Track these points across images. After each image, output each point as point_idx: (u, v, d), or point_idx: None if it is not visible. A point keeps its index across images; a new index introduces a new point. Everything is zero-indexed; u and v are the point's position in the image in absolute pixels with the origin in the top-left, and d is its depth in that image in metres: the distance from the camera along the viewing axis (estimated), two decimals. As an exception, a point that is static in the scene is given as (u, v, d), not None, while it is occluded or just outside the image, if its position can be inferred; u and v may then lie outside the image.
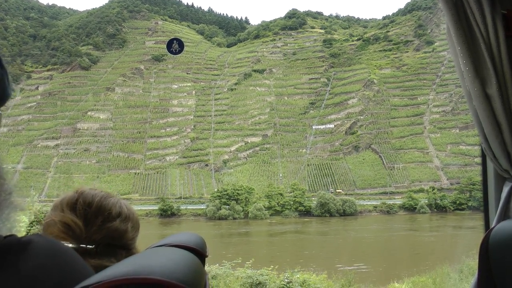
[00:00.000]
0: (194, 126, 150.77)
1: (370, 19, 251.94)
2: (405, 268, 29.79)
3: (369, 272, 34.66)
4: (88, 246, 1.55)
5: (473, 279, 2.27)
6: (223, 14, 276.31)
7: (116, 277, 0.83)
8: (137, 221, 1.82)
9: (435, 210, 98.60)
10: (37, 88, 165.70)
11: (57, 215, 1.62)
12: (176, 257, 0.98)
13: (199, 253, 1.29)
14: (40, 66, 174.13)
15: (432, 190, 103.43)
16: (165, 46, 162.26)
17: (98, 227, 1.61)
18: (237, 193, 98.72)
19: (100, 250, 1.58)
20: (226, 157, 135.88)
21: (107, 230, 1.63)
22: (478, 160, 3.31)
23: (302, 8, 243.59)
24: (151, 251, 1.04)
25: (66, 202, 1.68)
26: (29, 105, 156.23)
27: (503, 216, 2.72)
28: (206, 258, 1.39)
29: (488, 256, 1.91)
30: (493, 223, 2.80)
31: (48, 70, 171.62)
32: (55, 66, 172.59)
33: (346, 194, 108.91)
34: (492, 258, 1.90)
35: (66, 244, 1.43)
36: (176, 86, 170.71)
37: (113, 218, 1.67)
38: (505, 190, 2.75)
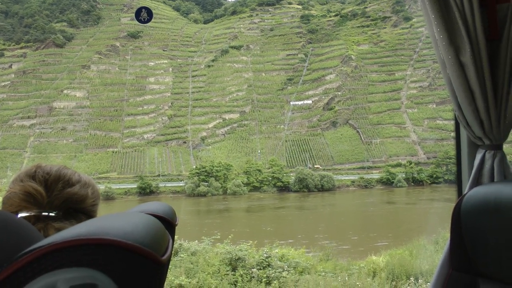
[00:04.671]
0: (171, 103, 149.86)
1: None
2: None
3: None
4: (50, 213, 1.52)
5: (446, 245, 2.32)
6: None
7: (67, 238, 0.79)
8: (97, 189, 1.75)
9: (412, 184, 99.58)
10: (10, 66, 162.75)
11: (16, 186, 1.58)
12: (136, 220, 0.94)
13: (167, 221, 1.26)
14: (13, 43, 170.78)
15: (409, 164, 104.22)
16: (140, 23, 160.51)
17: (59, 192, 1.58)
18: (216, 170, 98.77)
19: (62, 215, 1.55)
20: (204, 134, 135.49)
21: (68, 194, 1.60)
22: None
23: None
24: (111, 215, 0.99)
25: (25, 173, 1.65)
26: (3, 84, 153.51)
27: (476, 183, 2.76)
28: (176, 227, 1.35)
29: (460, 222, 1.95)
30: (465, 190, 2.83)
31: (21, 48, 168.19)
32: (28, 44, 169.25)
33: (324, 170, 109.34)
34: (463, 224, 1.94)
35: (29, 212, 1.50)
36: (152, 63, 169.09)
37: (73, 183, 1.65)
38: (478, 157, 2.80)
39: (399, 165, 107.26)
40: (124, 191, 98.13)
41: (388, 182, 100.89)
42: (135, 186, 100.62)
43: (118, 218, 0.94)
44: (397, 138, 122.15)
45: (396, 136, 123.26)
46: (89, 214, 1.66)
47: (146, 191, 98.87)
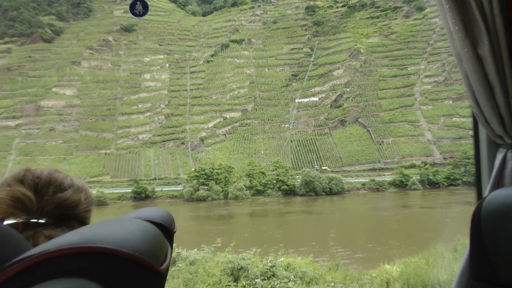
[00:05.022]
0: (168, 101, 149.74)
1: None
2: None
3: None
4: (39, 219, 1.48)
5: (465, 252, 2.30)
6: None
7: (59, 246, 0.79)
8: (90, 194, 1.72)
9: (428, 186, 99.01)
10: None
11: (3, 191, 1.53)
12: (132, 227, 0.94)
13: (165, 228, 1.26)
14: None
15: (424, 166, 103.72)
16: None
17: (50, 197, 1.54)
18: (216, 173, 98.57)
19: (52, 221, 1.51)
20: (204, 134, 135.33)
21: (59, 199, 1.56)
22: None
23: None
24: (105, 222, 0.98)
25: (13, 177, 1.61)
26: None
27: (497, 185, 2.72)
28: (174, 234, 1.35)
29: (481, 227, 1.90)
30: (486, 193, 2.78)
31: (5, 43, 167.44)
32: (13, 39, 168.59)
33: (332, 171, 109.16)
34: (484, 229, 1.88)
35: (16, 219, 1.45)
36: (148, 59, 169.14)
37: (65, 188, 1.61)
38: (499, 158, 2.75)
39: (413, 166, 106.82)
40: (117, 196, 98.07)
41: (401, 185, 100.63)
42: (130, 190, 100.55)
43: (113, 225, 0.93)
44: (410, 137, 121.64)
45: (409, 135, 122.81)
46: (82, 220, 1.63)
47: (141, 196, 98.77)
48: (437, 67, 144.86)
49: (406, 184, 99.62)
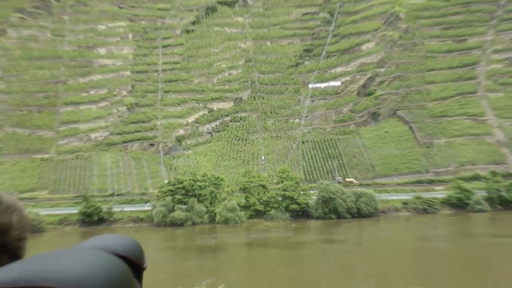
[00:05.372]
0: (132, 86, 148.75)
1: None
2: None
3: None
4: None
5: None
6: None
7: None
8: (25, 216, 1.63)
9: (499, 206, 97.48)
10: None
11: None
12: (91, 260, 0.91)
13: (133, 262, 1.25)
14: None
15: (493, 177, 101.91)
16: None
17: None
18: (199, 186, 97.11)
19: None
20: (182, 132, 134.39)
21: None
22: None
23: None
24: (58, 252, 0.95)
25: None
26: None
27: None
28: (143, 270, 1.36)
29: None
30: None
31: None
32: None
33: (360, 185, 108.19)
34: None
35: None
36: (103, 27, 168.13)
37: None
38: None
39: (476, 177, 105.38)
40: (58, 218, 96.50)
41: (460, 204, 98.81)
42: (76, 211, 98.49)
43: (65, 257, 0.90)
44: (472, 137, 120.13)
45: (470, 134, 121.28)
46: (13, 251, 1.53)
47: (92, 219, 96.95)
48: (510, 39, 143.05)
49: (467, 203, 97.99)
